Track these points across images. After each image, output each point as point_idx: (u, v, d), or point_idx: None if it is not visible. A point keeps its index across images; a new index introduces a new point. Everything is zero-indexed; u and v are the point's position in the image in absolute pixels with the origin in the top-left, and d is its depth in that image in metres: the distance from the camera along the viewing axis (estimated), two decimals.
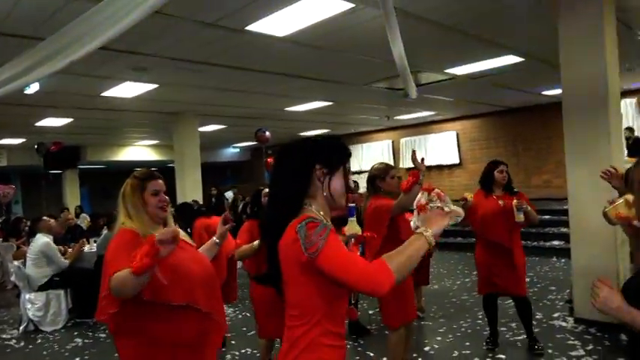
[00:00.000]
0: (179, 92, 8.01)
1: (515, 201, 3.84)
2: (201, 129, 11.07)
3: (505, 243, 3.88)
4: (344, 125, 13.82)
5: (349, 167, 1.66)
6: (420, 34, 5.35)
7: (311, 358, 1.49)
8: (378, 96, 9.33)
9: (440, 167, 13.52)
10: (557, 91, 9.60)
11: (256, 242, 2.98)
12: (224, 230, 2.35)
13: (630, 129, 9.18)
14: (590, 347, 4.06)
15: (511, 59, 6.85)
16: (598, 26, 4.45)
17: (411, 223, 3.15)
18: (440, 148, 13.62)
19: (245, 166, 20.20)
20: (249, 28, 4.90)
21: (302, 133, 15.29)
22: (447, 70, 7.43)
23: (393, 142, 14.96)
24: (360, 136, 15.73)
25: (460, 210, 1.74)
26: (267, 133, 11.34)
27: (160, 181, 2.09)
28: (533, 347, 4.04)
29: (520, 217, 3.82)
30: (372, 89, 8.54)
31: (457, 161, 13.24)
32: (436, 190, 3.61)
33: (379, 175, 3.53)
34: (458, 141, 13.35)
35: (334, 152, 1.62)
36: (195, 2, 4.18)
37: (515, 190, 4.06)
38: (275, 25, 4.86)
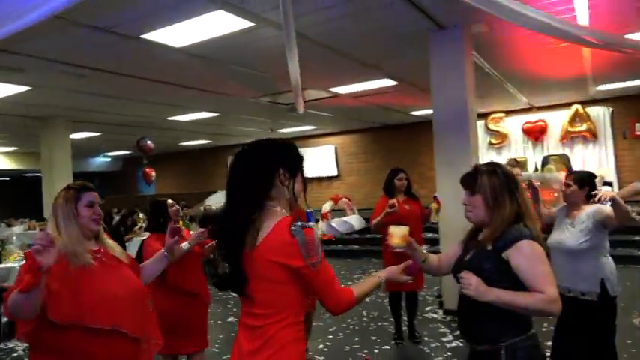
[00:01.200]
0: (53, 96, 7.44)
1: (434, 205, 4.45)
2: (73, 136, 10.29)
3: (418, 241, 4.39)
4: (226, 137, 13.83)
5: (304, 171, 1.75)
6: (313, 55, 5.75)
7: (290, 354, 1.54)
8: (263, 109, 9.61)
9: (319, 179, 14.19)
10: (425, 112, 10.90)
11: (186, 244, 2.76)
12: (172, 242, 2.28)
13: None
14: (457, 333, 4.73)
15: (388, 82, 7.62)
16: (460, 61, 5.26)
17: (320, 229, 3.53)
18: (319, 160, 14.33)
19: (116, 176, 19.01)
20: (145, 36, 4.85)
21: (182, 143, 14.95)
22: (331, 89, 7.99)
23: None
24: None
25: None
26: (150, 143, 10.93)
27: (95, 194, 2.04)
28: (414, 336, 4.59)
29: (437, 218, 4.40)
30: (258, 102, 8.80)
31: (335, 174, 14.05)
32: (344, 199, 3.99)
33: None
34: (336, 154, 14.19)
35: (295, 157, 1.70)
36: (92, 7, 4.06)
37: (435, 195, 4.68)
38: (171, 36, 4.88)
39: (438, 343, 4.50)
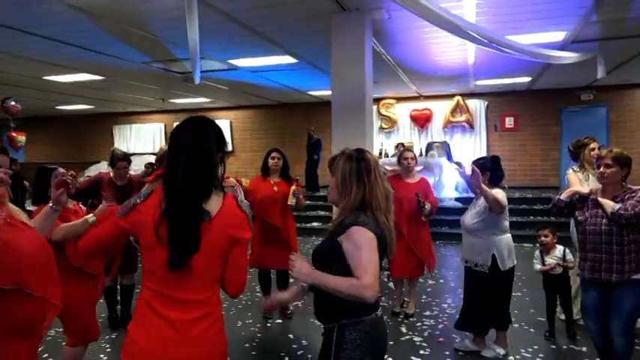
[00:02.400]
0: None
1: (293, 187, 4.40)
2: None
3: (279, 224, 4.40)
4: (112, 103, 12.81)
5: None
6: (214, 24, 5.51)
7: (220, 321, 1.72)
8: (155, 76, 9.05)
9: None
10: (321, 92, 11.07)
11: (91, 216, 2.56)
12: (58, 194, 2.16)
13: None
14: None
15: (288, 59, 7.59)
16: (361, 44, 5.39)
17: None
18: None
19: None
20: None
21: (60, 107, 13.55)
22: (230, 61, 7.75)
23: (165, 125, 14.58)
24: (130, 117, 14.83)
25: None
26: (17, 104, 9.71)
27: (4, 156, 2.00)
28: (286, 312, 4.71)
29: (292, 201, 4.37)
30: (150, 68, 8.26)
31: (230, 149, 13.78)
32: (231, 178, 3.89)
33: (164, 157, 3.73)
34: (231, 129, 13.89)
35: (224, 139, 1.78)
36: None
37: (297, 177, 4.65)
38: None
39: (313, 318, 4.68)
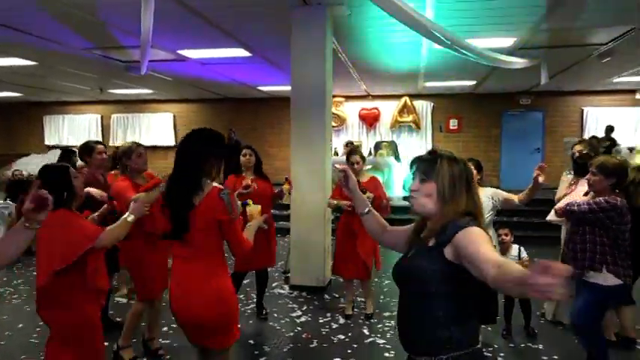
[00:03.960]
0: None
1: (286, 186, 4.31)
2: None
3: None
4: (44, 91, 11.88)
5: None
6: (167, 11, 5.18)
7: (220, 278, 2.32)
8: (95, 64, 8.46)
9: (154, 148, 13.18)
10: (272, 88, 10.86)
11: (130, 216, 2.57)
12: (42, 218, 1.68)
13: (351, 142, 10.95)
14: (304, 308, 4.86)
15: (241, 52, 7.34)
16: (321, 39, 5.30)
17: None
18: (155, 128, 13.33)
19: None
20: None
21: None
22: (180, 51, 7.39)
23: (102, 117, 13.76)
24: (63, 107, 13.85)
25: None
26: None
27: None
28: (261, 312, 4.57)
29: (289, 199, 4.33)
30: (91, 56, 7.70)
31: (173, 143, 13.20)
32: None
33: (126, 154, 3.52)
34: (174, 123, 13.34)
35: (223, 147, 2.37)
36: None
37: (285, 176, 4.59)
38: None
39: (287, 319, 4.55)
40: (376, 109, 12.19)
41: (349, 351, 3.85)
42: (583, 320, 2.99)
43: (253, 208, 2.90)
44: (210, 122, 13.13)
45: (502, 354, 3.81)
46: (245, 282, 4.70)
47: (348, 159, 4.52)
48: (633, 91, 10.98)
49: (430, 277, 1.51)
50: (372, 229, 1.99)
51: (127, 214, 2.55)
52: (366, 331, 4.26)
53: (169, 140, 13.15)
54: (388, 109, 12.13)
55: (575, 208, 2.89)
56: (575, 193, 3.56)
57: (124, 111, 13.53)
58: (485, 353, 3.75)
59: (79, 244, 2.32)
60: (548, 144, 11.55)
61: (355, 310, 4.69)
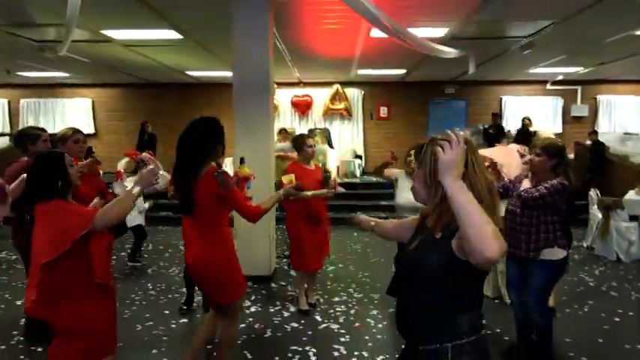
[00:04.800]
0: None
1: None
2: None
3: None
4: None
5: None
6: None
7: (224, 242, 2.78)
8: (2, 43, 7.63)
9: None
10: (201, 73, 10.44)
11: (135, 188, 2.39)
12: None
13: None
14: (253, 298, 4.77)
15: (172, 34, 6.95)
16: (263, 23, 5.15)
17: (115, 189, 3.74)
18: (72, 115, 12.35)
19: None
20: None
21: None
22: (103, 31, 6.85)
23: (9, 101, 12.51)
24: None
25: (167, 174, 2.41)
26: None
27: None
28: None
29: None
30: None
31: (92, 131, 12.33)
32: (144, 154, 3.75)
33: (61, 140, 3.43)
34: (93, 109, 12.45)
35: (220, 134, 2.79)
36: None
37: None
38: None
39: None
40: (308, 96, 12.17)
41: (304, 338, 3.84)
42: (539, 297, 3.16)
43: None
44: (133, 108, 12.43)
45: None
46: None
47: (301, 146, 4.41)
48: (545, 82, 11.86)
49: (437, 268, 1.48)
50: (383, 234, 2.05)
51: (132, 186, 2.36)
52: (318, 318, 4.26)
53: (87, 127, 12.22)
54: (320, 97, 12.15)
55: (537, 194, 3.01)
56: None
57: (34, 95, 12.38)
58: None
59: (73, 228, 2.08)
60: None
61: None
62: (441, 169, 1.40)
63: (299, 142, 4.45)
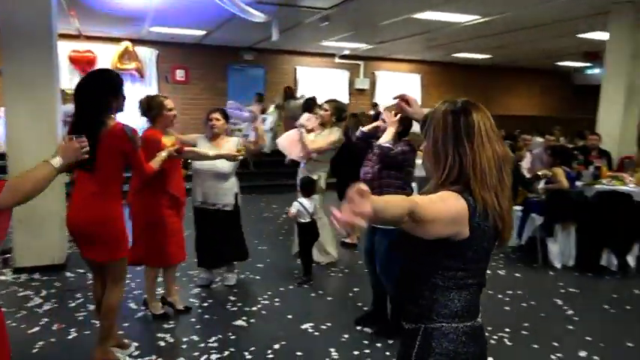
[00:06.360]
0: None
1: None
2: None
3: None
4: None
5: None
6: None
7: (120, 197, 2.78)
8: None
9: None
10: None
11: (56, 159, 1.88)
12: None
13: None
14: (44, 293, 3.95)
15: None
16: None
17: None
18: None
19: None
20: None
21: None
22: None
23: None
24: None
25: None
26: None
27: None
28: None
29: None
30: None
31: None
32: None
33: None
34: None
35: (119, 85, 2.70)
36: None
37: None
38: None
39: (24, 311, 3.60)
40: (90, 52, 10.58)
41: (121, 332, 3.33)
42: (388, 262, 3.23)
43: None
44: None
45: (277, 299, 3.99)
46: None
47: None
48: (334, 55, 12.72)
49: (425, 245, 1.31)
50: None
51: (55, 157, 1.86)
52: (133, 305, 3.78)
53: None
54: (106, 54, 10.69)
55: (394, 149, 3.10)
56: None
57: None
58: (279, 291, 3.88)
59: None
60: (268, 98, 12.35)
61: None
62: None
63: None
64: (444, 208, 1.25)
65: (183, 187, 3.55)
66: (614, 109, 6.75)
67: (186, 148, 3.53)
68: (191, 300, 3.91)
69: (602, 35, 7.94)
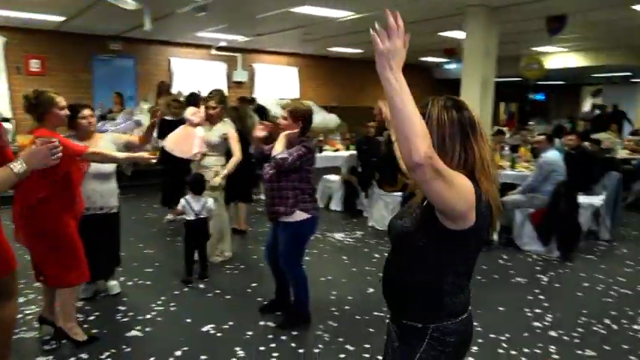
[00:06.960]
0: None
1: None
2: None
3: None
4: None
5: None
6: None
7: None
8: None
9: None
10: None
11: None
12: None
13: None
14: None
15: None
16: None
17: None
18: None
19: None
20: None
21: None
22: None
23: None
24: None
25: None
26: None
27: None
28: None
29: None
30: None
31: None
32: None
33: None
34: None
35: None
36: None
37: None
38: None
39: None
40: None
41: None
42: (288, 258, 3.29)
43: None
44: None
45: (173, 304, 3.80)
46: None
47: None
48: (210, 47, 12.34)
49: (421, 239, 1.38)
50: None
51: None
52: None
53: None
54: None
55: (289, 159, 3.04)
56: None
57: None
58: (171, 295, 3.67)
59: None
60: (140, 91, 11.58)
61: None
62: (378, 61, 1.19)
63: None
64: (460, 178, 1.27)
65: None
66: (471, 102, 7.52)
67: (90, 150, 3.08)
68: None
69: (459, 34, 8.82)
